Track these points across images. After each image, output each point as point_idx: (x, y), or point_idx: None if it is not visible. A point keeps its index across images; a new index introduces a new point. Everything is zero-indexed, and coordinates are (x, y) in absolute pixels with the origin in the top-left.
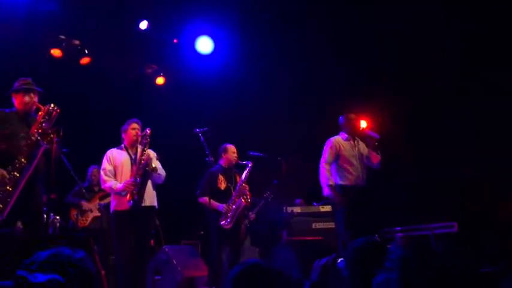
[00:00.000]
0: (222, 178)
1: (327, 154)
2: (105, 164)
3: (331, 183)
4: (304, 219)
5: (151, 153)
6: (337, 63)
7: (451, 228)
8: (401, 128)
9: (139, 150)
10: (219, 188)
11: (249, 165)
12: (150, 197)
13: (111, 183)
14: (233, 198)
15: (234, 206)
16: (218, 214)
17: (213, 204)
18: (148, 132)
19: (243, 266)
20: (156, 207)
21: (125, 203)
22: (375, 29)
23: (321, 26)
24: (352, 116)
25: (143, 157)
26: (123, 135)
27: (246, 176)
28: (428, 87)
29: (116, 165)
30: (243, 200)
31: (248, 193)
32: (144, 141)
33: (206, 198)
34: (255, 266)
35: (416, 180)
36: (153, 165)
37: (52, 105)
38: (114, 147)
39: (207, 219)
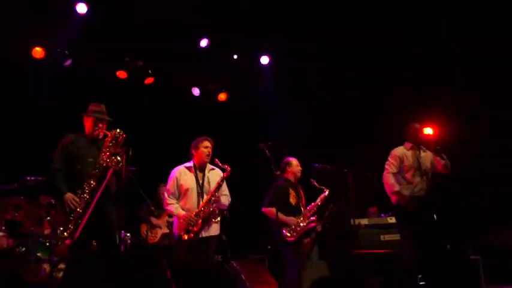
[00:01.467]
0: (293, 193)
1: (390, 165)
2: (170, 185)
3: (397, 189)
4: (372, 231)
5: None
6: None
7: None
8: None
9: (207, 173)
10: (290, 203)
11: (326, 192)
12: (209, 230)
13: (173, 207)
14: (305, 214)
15: (302, 224)
16: (283, 226)
17: (281, 218)
18: (227, 171)
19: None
20: (215, 234)
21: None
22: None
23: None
24: (416, 125)
25: (213, 204)
26: (193, 152)
27: (321, 200)
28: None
29: (182, 187)
30: (314, 224)
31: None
32: (219, 183)
33: (273, 210)
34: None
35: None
36: (218, 218)
37: (118, 130)
38: (182, 164)
39: (273, 232)
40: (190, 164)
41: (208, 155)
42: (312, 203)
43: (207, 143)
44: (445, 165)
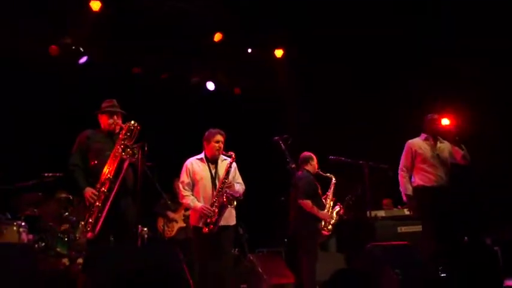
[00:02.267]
0: (319, 186)
1: (404, 158)
2: (184, 177)
3: (409, 192)
4: (389, 223)
5: (232, 176)
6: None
7: None
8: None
9: (219, 163)
10: (319, 195)
11: (333, 179)
12: (227, 218)
13: (189, 199)
14: (331, 207)
15: (333, 218)
16: (315, 220)
17: (317, 212)
18: (232, 158)
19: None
20: (232, 224)
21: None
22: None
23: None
24: (433, 116)
25: (226, 190)
26: (205, 145)
27: (332, 188)
28: None
29: (195, 178)
30: (342, 211)
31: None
32: (228, 168)
33: (309, 202)
34: (346, 272)
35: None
36: (234, 203)
37: (132, 122)
38: (193, 157)
39: (302, 224)
40: (201, 155)
41: (219, 149)
42: (327, 193)
43: (218, 137)
44: (464, 155)
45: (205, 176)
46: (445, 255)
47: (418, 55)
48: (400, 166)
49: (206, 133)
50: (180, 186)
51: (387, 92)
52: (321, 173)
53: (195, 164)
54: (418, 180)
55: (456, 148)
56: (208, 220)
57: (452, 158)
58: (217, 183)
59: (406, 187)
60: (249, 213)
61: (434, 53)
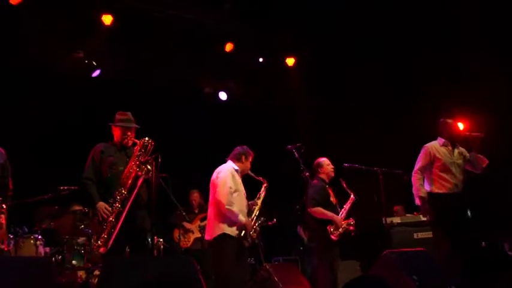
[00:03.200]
0: (332, 193)
1: (421, 161)
2: (231, 182)
3: (422, 194)
4: (405, 230)
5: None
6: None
7: None
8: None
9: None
10: (331, 202)
11: (352, 196)
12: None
13: (236, 212)
14: (344, 214)
15: (344, 225)
16: (327, 226)
17: (329, 215)
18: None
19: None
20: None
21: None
22: None
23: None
24: (450, 120)
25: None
26: (243, 159)
27: (349, 205)
28: None
29: (239, 189)
30: (353, 227)
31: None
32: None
33: (319, 209)
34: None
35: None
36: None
37: (147, 138)
38: (230, 166)
39: (315, 232)
40: (237, 168)
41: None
42: (342, 209)
43: (251, 157)
44: (487, 164)
45: (242, 190)
46: (462, 261)
47: (433, 61)
48: (415, 168)
49: (244, 148)
50: (228, 190)
51: (402, 99)
52: (344, 185)
53: (235, 174)
54: (434, 187)
55: (482, 156)
56: (248, 234)
57: (472, 165)
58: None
59: (419, 189)
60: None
61: (449, 58)
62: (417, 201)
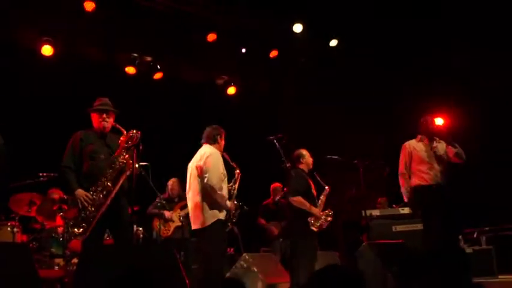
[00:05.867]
0: (312, 184)
1: (402, 160)
2: (222, 168)
3: (409, 196)
4: (384, 222)
5: None
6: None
7: None
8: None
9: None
10: (312, 193)
11: (327, 189)
12: None
13: (226, 197)
14: (322, 206)
15: (324, 217)
16: (306, 217)
17: (310, 207)
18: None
19: (323, 269)
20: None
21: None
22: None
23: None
24: (426, 117)
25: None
26: (218, 140)
27: (324, 197)
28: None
29: (224, 173)
30: (331, 218)
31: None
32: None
33: (300, 199)
34: (334, 268)
35: (498, 176)
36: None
37: (134, 131)
38: (214, 150)
39: (295, 222)
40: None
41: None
42: (319, 201)
43: (224, 135)
44: (457, 153)
45: (225, 174)
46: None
47: (413, 56)
48: (400, 169)
49: (215, 128)
50: (219, 175)
51: (383, 91)
52: (319, 178)
53: (221, 158)
54: (415, 180)
55: (450, 147)
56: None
57: (448, 157)
58: None
59: (406, 189)
60: (244, 213)
61: (429, 52)
62: (405, 199)
